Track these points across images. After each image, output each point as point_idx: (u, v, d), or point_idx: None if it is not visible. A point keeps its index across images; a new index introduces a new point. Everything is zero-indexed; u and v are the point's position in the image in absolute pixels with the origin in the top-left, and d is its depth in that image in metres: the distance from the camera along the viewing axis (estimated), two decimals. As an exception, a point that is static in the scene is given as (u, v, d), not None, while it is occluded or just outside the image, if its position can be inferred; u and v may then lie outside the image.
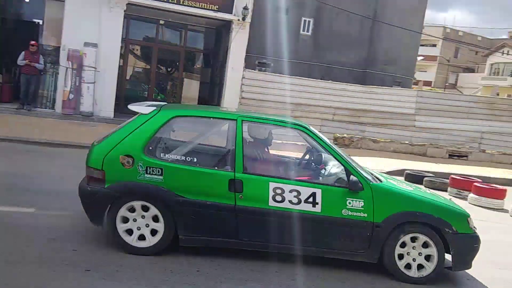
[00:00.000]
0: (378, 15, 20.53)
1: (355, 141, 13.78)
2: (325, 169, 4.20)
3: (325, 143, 3.98)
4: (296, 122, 4.14)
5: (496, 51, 45.60)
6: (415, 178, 9.36)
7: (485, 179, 10.04)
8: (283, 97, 13.22)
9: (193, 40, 15.17)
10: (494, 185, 8.13)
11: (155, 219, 3.68)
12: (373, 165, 8.53)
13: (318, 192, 3.71)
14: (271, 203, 3.65)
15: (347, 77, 18.69)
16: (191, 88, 14.90)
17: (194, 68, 15.89)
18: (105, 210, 3.67)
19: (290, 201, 3.67)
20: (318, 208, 3.69)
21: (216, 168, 3.79)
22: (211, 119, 4.11)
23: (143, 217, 3.68)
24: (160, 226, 3.67)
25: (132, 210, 3.67)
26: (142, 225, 3.68)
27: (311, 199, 3.69)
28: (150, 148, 3.72)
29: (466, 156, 14.32)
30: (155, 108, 3.86)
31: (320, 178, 4.16)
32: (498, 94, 42.53)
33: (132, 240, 3.67)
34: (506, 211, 7.32)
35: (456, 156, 14.22)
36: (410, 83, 25.34)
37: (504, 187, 8.06)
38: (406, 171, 9.76)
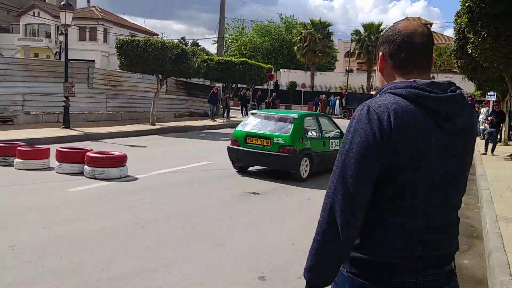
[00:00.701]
0: None
1: None
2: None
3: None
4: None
5: (27, 11, 45.25)
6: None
7: (32, 141, 10.16)
8: None
9: None
10: (38, 146, 8.31)
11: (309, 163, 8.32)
12: None
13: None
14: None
15: None
16: None
17: None
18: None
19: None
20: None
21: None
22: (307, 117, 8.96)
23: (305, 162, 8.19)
24: (309, 165, 8.27)
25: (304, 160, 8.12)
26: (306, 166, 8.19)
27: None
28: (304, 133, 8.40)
29: (12, 120, 13.88)
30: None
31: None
32: (37, 55, 42.91)
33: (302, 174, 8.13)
34: (52, 168, 7.71)
35: (0, 121, 13.51)
36: None
37: (48, 146, 8.42)
38: None
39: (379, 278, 1.32)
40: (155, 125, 16.27)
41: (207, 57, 20.97)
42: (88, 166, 7.24)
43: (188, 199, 6.38)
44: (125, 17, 49.68)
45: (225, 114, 21.67)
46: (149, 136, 14.31)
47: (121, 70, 18.17)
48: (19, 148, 7.79)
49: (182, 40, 67.03)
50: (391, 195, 1.30)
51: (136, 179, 7.45)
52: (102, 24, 43.53)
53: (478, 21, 6.47)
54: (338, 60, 53.44)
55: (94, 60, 31.47)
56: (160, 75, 16.53)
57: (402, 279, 1.32)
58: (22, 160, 7.61)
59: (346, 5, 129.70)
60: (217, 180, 7.85)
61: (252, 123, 8.66)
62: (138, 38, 17.47)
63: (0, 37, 47.48)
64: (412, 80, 1.34)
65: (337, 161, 1.32)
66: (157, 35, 51.08)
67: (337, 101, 35.68)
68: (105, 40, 43.89)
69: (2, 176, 7.17)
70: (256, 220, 5.50)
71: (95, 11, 45.09)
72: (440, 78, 39.54)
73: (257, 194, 6.91)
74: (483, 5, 6.10)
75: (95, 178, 7.12)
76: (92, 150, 7.77)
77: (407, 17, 62.48)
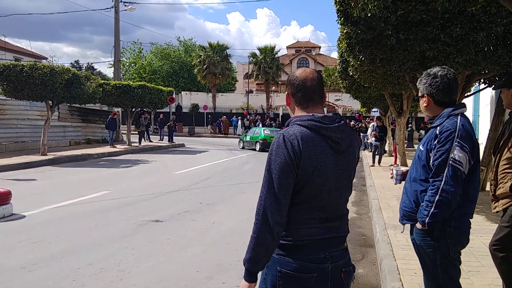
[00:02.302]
0: None
1: None
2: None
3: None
4: None
5: None
6: None
7: None
8: None
9: None
10: None
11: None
12: None
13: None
14: None
15: None
16: None
17: None
18: None
19: None
20: None
21: None
22: None
23: None
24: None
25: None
26: None
27: None
28: None
29: None
30: None
31: None
32: None
33: None
34: None
35: None
36: None
37: None
38: None
39: (300, 255, 1.80)
40: (46, 155, 15.05)
41: (102, 81, 20.06)
42: (-37, 207, 6.42)
43: (84, 233, 5.97)
44: (7, 40, 45.62)
45: (146, 137, 22.32)
46: (39, 167, 13.19)
47: (3, 97, 16.60)
48: None
49: (75, 64, 63.59)
50: (304, 197, 1.79)
51: (23, 217, 6.79)
52: (-20, 47, 39.45)
53: (356, 46, 7.12)
54: (238, 81, 54.82)
55: (-29, 87, 28.35)
56: (50, 102, 15.42)
57: (316, 255, 1.81)
58: None
59: (241, 29, 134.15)
60: (118, 210, 7.48)
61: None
62: (22, 62, 16.15)
63: None
64: (311, 114, 1.86)
65: (265, 176, 1.78)
66: (46, 58, 47.71)
67: (239, 122, 36.43)
68: (-16, 64, 39.78)
69: None
70: (159, 249, 5.32)
71: (-29, 33, 40.77)
72: (331, 97, 42.73)
73: (161, 221, 6.71)
74: (359, 32, 6.74)
75: (-28, 220, 6.34)
76: (-32, 188, 6.92)
77: (298, 40, 66.53)
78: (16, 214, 6.86)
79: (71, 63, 66.09)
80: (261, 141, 21.30)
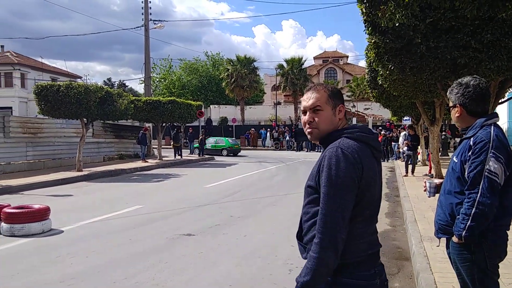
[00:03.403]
0: None
1: None
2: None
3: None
4: None
5: None
6: None
7: None
8: None
9: None
10: None
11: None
12: None
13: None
14: None
15: None
16: None
17: None
18: None
19: None
20: None
21: None
22: None
23: None
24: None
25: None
26: None
27: None
28: None
29: None
30: None
31: None
32: None
33: None
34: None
35: None
36: None
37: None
38: None
39: (354, 273, 1.76)
40: (82, 171, 15.52)
41: (134, 98, 20.60)
42: (5, 223, 6.70)
43: (120, 247, 6.11)
44: (44, 61, 47.66)
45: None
46: (75, 183, 13.60)
47: (41, 116, 17.29)
48: None
49: (108, 81, 65.53)
50: (360, 210, 1.77)
51: (61, 232, 7.01)
52: (19, 69, 41.33)
53: (384, 55, 7.06)
54: (266, 93, 55.06)
55: (11, 107, 29.71)
56: (85, 119, 15.95)
57: (368, 271, 1.78)
58: None
59: (267, 41, 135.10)
60: (150, 224, 7.61)
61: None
62: (59, 82, 16.82)
63: None
64: (353, 125, 1.92)
65: (325, 192, 1.71)
66: (80, 77, 49.49)
67: (268, 134, 36.49)
68: (22, 85, 41.64)
69: None
70: (192, 263, 5.38)
71: (10, 56, 42.84)
72: (360, 106, 42.25)
73: (193, 235, 6.79)
74: (387, 41, 6.69)
75: (14, 236, 6.60)
76: (9, 205, 7.22)
77: (325, 51, 66.38)
78: (54, 229, 7.09)
79: (104, 80, 68.21)
80: (228, 149, 27.52)
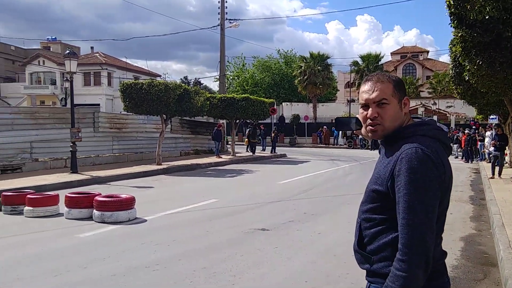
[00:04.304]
0: None
1: None
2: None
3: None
4: None
5: (32, 61, 46.45)
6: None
7: (40, 188, 10.26)
8: None
9: None
10: (47, 193, 8.39)
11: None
12: None
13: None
14: None
15: None
16: None
17: None
18: None
19: None
20: None
21: None
22: None
23: None
24: None
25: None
26: None
27: None
28: None
29: (20, 168, 14.04)
30: None
31: None
32: (43, 102, 43.76)
33: None
34: (62, 214, 7.76)
35: (9, 170, 13.67)
36: None
37: (56, 192, 8.50)
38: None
39: (433, 285, 1.62)
40: (161, 164, 16.38)
41: (209, 95, 21.30)
42: (97, 210, 7.29)
43: (197, 238, 6.38)
44: (127, 61, 50.84)
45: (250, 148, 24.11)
46: (155, 176, 14.39)
47: (125, 112, 18.49)
48: (28, 196, 7.87)
49: (184, 79, 68.28)
50: (439, 214, 1.60)
51: (145, 221, 7.47)
52: (106, 69, 44.54)
53: (472, 50, 6.63)
54: (339, 90, 54.06)
55: (99, 104, 32.09)
56: (164, 115, 16.79)
57: (443, 280, 1.68)
58: (31, 208, 7.68)
59: (341, 37, 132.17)
60: (226, 218, 7.85)
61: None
62: (141, 80, 17.88)
63: (6, 86, 48.62)
64: (427, 120, 1.74)
65: (406, 199, 1.52)
66: (159, 76, 52.16)
67: (340, 132, 35.83)
68: (109, 83, 44.79)
69: (13, 225, 7.22)
70: (266, 257, 5.47)
71: (98, 56, 46.25)
72: (441, 104, 39.96)
73: (267, 230, 6.90)
74: (475, 35, 6.27)
75: (104, 222, 7.16)
76: (100, 194, 7.84)
77: (403, 46, 63.56)
78: (139, 218, 7.58)
79: (181, 79, 71.15)
80: None
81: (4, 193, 8.25)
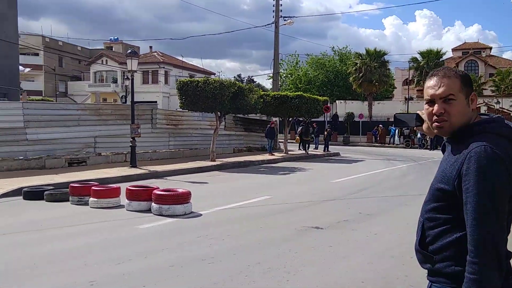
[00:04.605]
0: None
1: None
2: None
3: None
4: None
5: (96, 60, 49.03)
6: (34, 194, 8.95)
7: (103, 181, 10.80)
8: None
9: None
10: (110, 185, 8.82)
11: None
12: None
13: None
14: None
15: None
16: None
17: None
18: None
19: None
20: None
21: None
22: None
23: None
24: None
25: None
26: None
27: None
28: None
29: (85, 161, 14.87)
30: None
31: None
32: (105, 99, 46.07)
33: None
34: (122, 206, 8.12)
35: (75, 163, 14.51)
36: (17, 94, 23.72)
37: (118, 185, 8.91)
38: (24, 189, 9.17)
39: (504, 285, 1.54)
40: (215, 161, 16.68)
41: (263, 93, 21.38)
42: (155, 203, 7.55)
43: (252, 234, 6.43)
44: (183, 59, 52.24)
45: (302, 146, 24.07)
46: (210, 172, 14.68)
47: (181, 110, 19.00)
48: (93, 188, 8.31)
49: (238, 77, 69.07)
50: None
51: (200, 215, 7.64)
52: (163, 67, 46.06)
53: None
54: (396, 88, 52.32)
55: (156, 101, 33.28)
56: (218, 113, 17.08)
57: (508, 280, 1.57)
58: (96, 199, 8.11)
59: (398, 33, 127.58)
60: (279, 214, 7.86)
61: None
62: (197, 78, 18.29)
63: (73, 84, 51.74)
64: (495, 116, 1.66)
65: (477, 202, 1.48)
66: (214, 73, 53.13)
67: (397, 130, 34.66)
68: (166, 81, 46.29)
69: (78, 215, 7.66)
70: (321, 256, 5.41)
71: (156, 55, 47.92)
72: (506, 103, 37.52)
73: (321, 228, 6.82)
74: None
75: (161, 215, 7.40)
76: (158, 188, 8.11)
77: (465, 42, 60.35)
78: (194, 212, 7.76)
79: (234, 76, 72.09)
80: None
81: (71, 185, 8.77)
